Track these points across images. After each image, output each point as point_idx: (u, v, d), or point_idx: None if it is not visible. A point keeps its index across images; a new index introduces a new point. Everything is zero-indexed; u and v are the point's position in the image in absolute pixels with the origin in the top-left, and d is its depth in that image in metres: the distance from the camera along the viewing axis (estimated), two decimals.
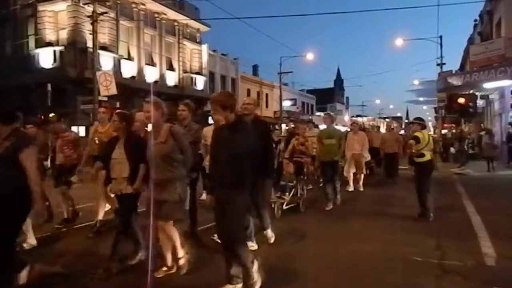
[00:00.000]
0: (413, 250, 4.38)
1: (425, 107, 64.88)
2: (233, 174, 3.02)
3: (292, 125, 13.49)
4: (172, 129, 3.59)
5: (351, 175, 9.08)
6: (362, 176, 9.18)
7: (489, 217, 5.99)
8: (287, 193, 6.37)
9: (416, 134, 6.10)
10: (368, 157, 9.43)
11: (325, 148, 6.90)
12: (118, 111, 4.22)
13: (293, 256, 4.29)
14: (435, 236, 4.99)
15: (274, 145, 10.38)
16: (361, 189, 9.01)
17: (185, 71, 25.14)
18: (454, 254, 4.23)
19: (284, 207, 6.30)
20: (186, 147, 3.59)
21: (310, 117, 36.49)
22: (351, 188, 8.97)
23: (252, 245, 4.24)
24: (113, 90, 13.80)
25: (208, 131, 4.67)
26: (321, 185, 7.75)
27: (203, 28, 26.94)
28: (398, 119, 74.16)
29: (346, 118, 61.55)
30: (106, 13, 16.49)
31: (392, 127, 12.39)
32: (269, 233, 4.70)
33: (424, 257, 4.15)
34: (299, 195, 6.63)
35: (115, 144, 3.89)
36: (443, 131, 22.64)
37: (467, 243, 4.69)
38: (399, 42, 24.84)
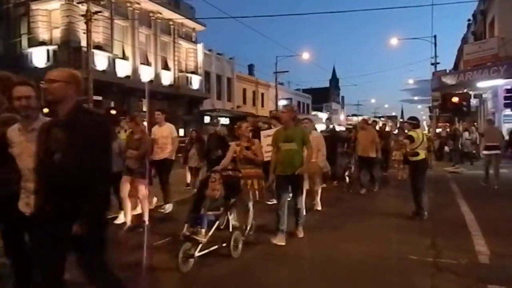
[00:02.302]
0: (407, 248, 4.41)
1: (419, 106, 65.41)
2: None
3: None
4: None
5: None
6: (319, 190, 6.74)
7: (482, 215, 6.04)
8: (203, 229, 3.87)
9: (410, 133, 6.15)
10: (325, 166, 6.95)
11: (282, 155, 4.81)
12: None
13: (287, 254, 4.29)
14: (429, 235, 5.02)
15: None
16: (319, 207, 6.63)
17: (180, 71, 25.08)
18: (448, 252, 4.26)
19: (198, 252, 3.76)
20: None
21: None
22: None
23: None
24: None
25: (13, 134, 2.73)
26: (274, 202, 5.63)
27: (199, 27, 26.88)
28: (393, 118, 74.59)
29: (342, 117, 61.82)
30: (100, 12, 16.40)
31: (363, 124, 9.04)
32: None
33: (418, 256, 4.18)
34: (230, 229, 4.24)
35: None
36: (438, 130, 22.81)
37: (461, 241, 4.73)
38: (394, 41, 25.02)
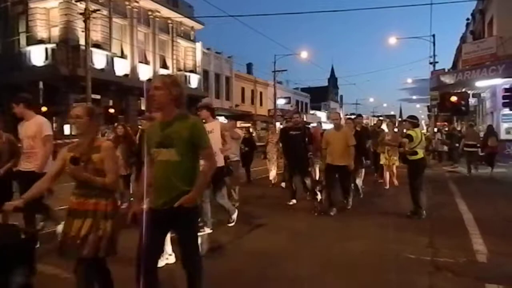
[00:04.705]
0: (405, 247, 4.41)
1: (418, 105, 65.61)
2: None
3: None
4: None
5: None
6: (206, 228, 4.37)
7: (480, 214, 6.06)
8: None
9: (409, 132, 6.16)
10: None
11: (156, 170, 2.49)
12: None
13: (286, 254, 4.29)
14: (427, 234, 5.03)
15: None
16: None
17: (179, 69, 25.04)
18: (446, 251, 4.27)
19: None
20: None
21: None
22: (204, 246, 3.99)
23: None
24: None
25: None
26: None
27: (197, 26, 26.84)
28: (391, 117, 74.65)
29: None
30: (98, 10, 16.36)
31: (335, 118, 6.56)
32: None
33: (416, 255, 4.19)
34: None
35: None
36: (436, 129, 22.85)
37: (459, 240, 4.73)
38: (392, 40, 24.97)
